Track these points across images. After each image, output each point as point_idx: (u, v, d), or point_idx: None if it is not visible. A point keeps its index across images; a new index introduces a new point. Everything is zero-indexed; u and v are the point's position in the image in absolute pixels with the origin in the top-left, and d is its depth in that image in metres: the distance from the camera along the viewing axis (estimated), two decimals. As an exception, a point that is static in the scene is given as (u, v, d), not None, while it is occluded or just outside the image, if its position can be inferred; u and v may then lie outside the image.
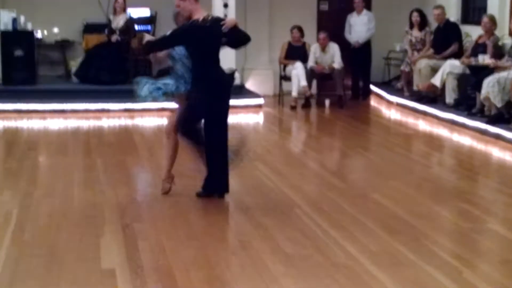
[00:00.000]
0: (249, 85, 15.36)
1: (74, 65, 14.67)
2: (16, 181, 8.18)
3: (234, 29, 7.26)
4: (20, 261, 5.64)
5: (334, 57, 14.08)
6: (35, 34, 14.40)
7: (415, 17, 14.03)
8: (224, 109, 7.31)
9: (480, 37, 12.41)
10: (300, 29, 14.34)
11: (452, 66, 12.49)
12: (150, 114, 12.51)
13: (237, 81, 13.63)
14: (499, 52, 11.85)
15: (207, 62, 7.20)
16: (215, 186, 7.39)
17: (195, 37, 7.11)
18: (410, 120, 12.73)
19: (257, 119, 13.09)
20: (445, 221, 6.98)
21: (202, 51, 7.16)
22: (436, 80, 12.66)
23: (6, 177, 8.45)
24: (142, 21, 14.84)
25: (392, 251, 5.90)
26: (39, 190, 7.77)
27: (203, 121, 7.29)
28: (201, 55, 7.17)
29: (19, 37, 13.87)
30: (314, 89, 14.61)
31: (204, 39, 7.12)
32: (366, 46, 15.16)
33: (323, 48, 14.08)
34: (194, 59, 7.19)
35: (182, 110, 7.31)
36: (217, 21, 7.29)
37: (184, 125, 7.22)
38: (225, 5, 13.82)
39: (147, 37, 7.47)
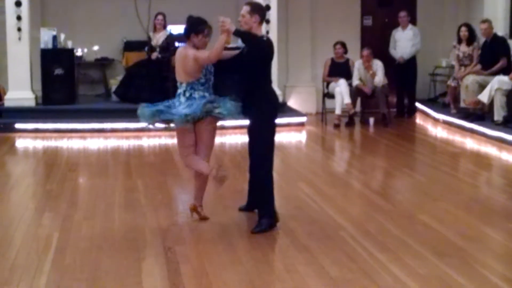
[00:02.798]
0: (292, 103, 15.27)
1: (114, 83, 14.72)
2: (56, 203, 8.15)
3: None
4: (62, 286, 5.59)
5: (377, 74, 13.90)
6: (75, 52, 14.48)
7: (463, 31, 13.77)
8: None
9: (530, 51, 12.20)
10: (343, 45, 14.21)
11: (500, 82, 12.24)
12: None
13: (279, 98, 13.67)
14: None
15: (268, 80, 7.16)
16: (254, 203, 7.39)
17: (271, 52, 7.15)
18: (457, 138, 12.53)
19: (299, 137, 12.99)
20: (495, 243, 6.79)
21: (269, 67, 7.15)
22: (484, 97, 12.41)
23: (47, 199, 8.40)
24: (182, 38, 14.79)
25: (440, 274, 5.75)
26: (79, 212, 7.72)
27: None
28: (268, 72, 7.13)
29: (59, 55, 13.96)
30: (358, 107, 14.44)
31: (272, 55, 7.19)
32: (411, 62, 15.00)
33: (367, 66, 13.87)
34: (258, 78, 7.08)
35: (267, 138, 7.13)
36: None
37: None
38: (267, 21, 13.74)
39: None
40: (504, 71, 12.78)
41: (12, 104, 13.50)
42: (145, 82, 13.88)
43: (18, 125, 13.02)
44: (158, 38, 14.09)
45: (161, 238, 6.74)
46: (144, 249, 6.45)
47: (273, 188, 7.13)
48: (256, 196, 7.27)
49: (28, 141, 12.46)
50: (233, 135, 12.32)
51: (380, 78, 13.80)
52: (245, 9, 7.03)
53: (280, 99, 13.89)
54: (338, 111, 13.76)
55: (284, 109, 14.03)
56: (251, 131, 7.21)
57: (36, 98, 13.82)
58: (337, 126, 13.68)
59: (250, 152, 7.29)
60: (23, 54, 13.60)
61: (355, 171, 10.28)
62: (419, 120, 14.78)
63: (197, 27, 7.15)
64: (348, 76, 13.98)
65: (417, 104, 15.29)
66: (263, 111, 7.07)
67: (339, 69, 14.09)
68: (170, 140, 12.16)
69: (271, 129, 7.13)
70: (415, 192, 8.87)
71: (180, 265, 6.00)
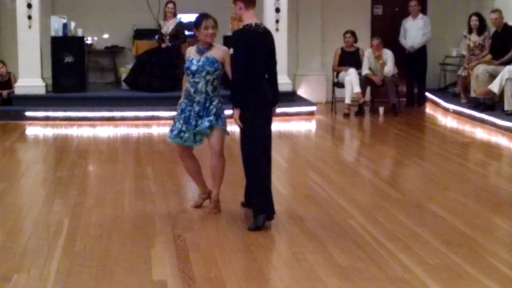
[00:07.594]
0: (301, 91, 15.26)
1: (124, 71, 14.73)
2: (67, 190, 8.18)
3: None
4: (72, 272, 5.61)
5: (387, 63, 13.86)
6: (85, 40, 14.49)
7: (474, 21, 13.72)
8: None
9: (541, 41, 12.14)
10: (353, 34, 14.18)
11: (511, 72, 12.19)
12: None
13: (289, 87, 13.70)
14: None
15: (257, 72, 6.83)
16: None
17: (250, 41, 6.76)
18: (467, 128, 12.49)
19: (309, 126, 12.97)
20: (504, 233, 6.77)
21: (254, 57, 6.76)
22: (494, 87, 12.37)
23: (57, 186, 8.42)
24: (192, 26, 14.80)
25: (449, 264, 5.76)
26: (89, 199, 7.76)
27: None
28: (253, 63, 6.77)
29: (69, 43, 13.96)
30: (367, 96, 14.41)
31: (257, 44, 6.80)
32: (422, 51, 14.95)
33: (377, 55, 13.84)
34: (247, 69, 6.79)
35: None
36: (269, 33, 7.02)
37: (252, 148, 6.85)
38: (277, 10, 13.76)
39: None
40: (514, 61, 12.76)
41: (23, 91, 13.52)
42: (155, 70, 13.91)
43: (28, 113, 13.05)
44: (168, 26, 14.08)
45: (171, 226, 6.76)
46: (153, 236, 6.48)
47: (263, 184, 6.82)
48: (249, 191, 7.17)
49: (38, 128, 12.50)
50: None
51: (390, 67, 13.78)
52: None
53: (290, 88, 13.93)
54: (347, 100, 13.75)
55: (294, 98, 14.04)
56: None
57: (46, 86, 13.82)
58: (346, 115, 13.66)
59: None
60: (33, 42, 13.59)
61: (365, 160, 10.28)
62: (429, 109, 14.74)
63: (196, 21, 7.23)
64: (358, 65, 13.95)
65: (427, 94, 15.25)
66: (249, 106, 6.77)
67: (349, 58, 14.07)
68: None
69: (255, 126, 6.78)
70: (424, 181, 8.84)
71: (190, 252, 6.02)
